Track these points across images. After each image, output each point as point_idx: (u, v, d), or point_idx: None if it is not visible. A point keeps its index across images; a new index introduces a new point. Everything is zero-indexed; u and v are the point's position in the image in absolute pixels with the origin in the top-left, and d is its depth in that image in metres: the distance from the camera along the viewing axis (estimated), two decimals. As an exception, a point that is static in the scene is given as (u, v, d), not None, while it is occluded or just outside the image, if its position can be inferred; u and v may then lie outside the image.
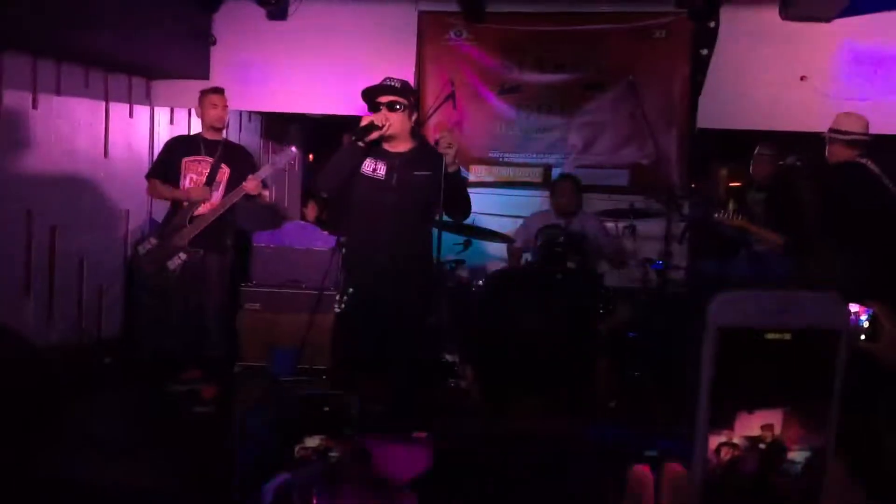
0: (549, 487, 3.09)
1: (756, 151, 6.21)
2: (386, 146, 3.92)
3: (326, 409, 4.09)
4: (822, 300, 0.98)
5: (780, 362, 0.98)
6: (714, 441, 0.99)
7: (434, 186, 3.77)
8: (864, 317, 3.93)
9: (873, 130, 5.26)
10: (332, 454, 3.46)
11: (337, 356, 4.56)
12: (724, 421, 0.99)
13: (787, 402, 0.99)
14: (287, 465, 3.40)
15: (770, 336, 0.98)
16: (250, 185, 4.97)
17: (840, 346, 0.98)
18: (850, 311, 1.01)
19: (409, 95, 3.95)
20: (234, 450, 3.74)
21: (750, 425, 0.99)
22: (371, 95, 3.88)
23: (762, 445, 0.99)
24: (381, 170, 3.88)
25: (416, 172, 3.86)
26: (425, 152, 3.94)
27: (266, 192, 5.26)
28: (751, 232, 5.08)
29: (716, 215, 5.06)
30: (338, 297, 4.22)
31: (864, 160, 4.52)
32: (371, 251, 3.92)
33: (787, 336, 0.98)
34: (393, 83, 3.90)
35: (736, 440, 0.99)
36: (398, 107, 3.84)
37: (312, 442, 3.50)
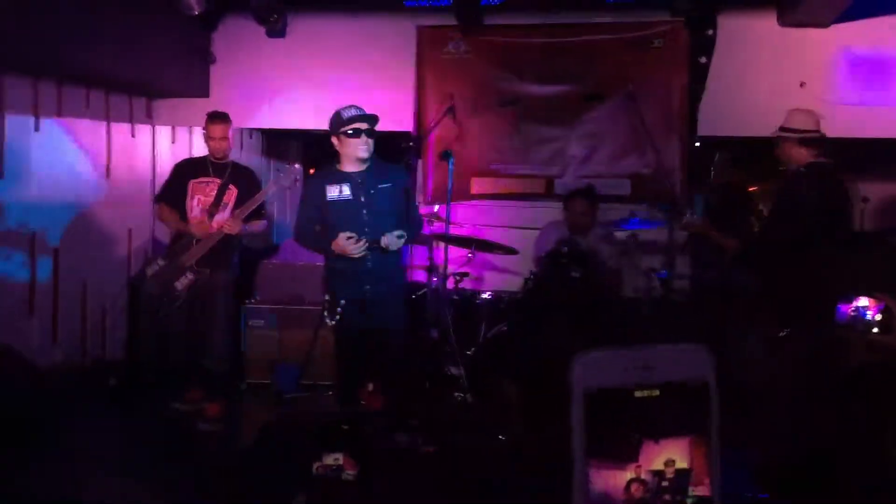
0: None
1: (715, 158, 6.21)
2: (349, 169, 4.32)
3: (345, 427, 4.09)
4: (687, 352, 0.97)
5: (650, 417, 0.97)
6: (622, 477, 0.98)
7: (397, 197, 4.32)
8: (873, 311, 3.93)
9: (872, 134, 5.28)
10: (349, 473, 3.45)
11: (341, 367, 4.59)
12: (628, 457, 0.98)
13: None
14: (305, 482, 3.40)
15: (638, 394, 0.97)
16: (230, 226, 5.00)
17: (710, 395, 0.97)
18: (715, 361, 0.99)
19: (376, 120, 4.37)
20: (250, 468, 3.73)
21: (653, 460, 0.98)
22: (349, 122, 4.24)
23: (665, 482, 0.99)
24: (345, 191, 4.30)
25: (379, 186, 4.30)
26: (382, 167, 4.41)
27: (253, 226, 5.25)
28: (709, 236, 4.72)
29: (685, 217, 4.78)
30: (327, 311, 4.35)
31: (826, 160, 4.30)
32: (353, 265, 4.24)
33: (656, 392, 0.97)
34: (363, 109, 4.33)
35: (644, 475, 0.99)
36: (373, 133, 4.29)
37: (330, 460, 3.50)
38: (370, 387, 5.28)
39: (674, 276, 5.48)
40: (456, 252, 5.79)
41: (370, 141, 4.29)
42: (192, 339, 5.21)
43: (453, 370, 5.18)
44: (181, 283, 5.03)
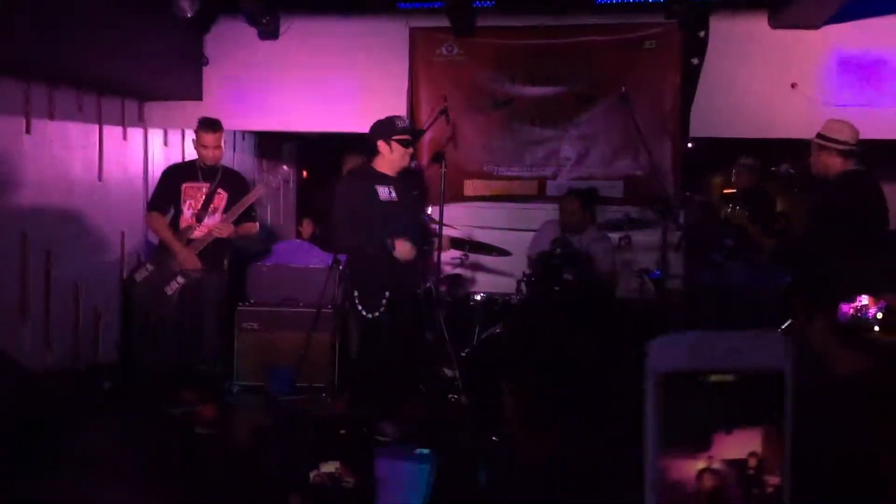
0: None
1: (738, 162, 6.25)
2: (387, 172, 4.58)
3: (343, 431, 4.08)
4: (765, 340, 0.96)
5: (724, 404, 0.95)
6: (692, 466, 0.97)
7: (419, 203, 4.75)
8: (875, 310, 3.95)
9: (863, 136, 5.29)
10: (347, 481, 3.43)
11: (367, 364, 4.64)
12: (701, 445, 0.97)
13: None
14: (302, 490, 3.38)
15: (714, 378, 0.95)
16: (220, 230, 5.04)
17: (785, 385, 0.95)
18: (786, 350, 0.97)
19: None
20: (247, 473, 3.72)
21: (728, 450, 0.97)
22: (403, 132, 4.57)
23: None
24: (393, 193, 4.54)
25: (413, 192, 4.66)
26: (411, 174, 4.79)
27: (245, 230, 5.25)
28: (748, 232, 4.92)
29: (725, 210, 4.93)
30: (362, 305, 4.48)
31: (863, 167, 4.45)
32: (393, 263, 4.48)
33: (731, 378, 0.96)
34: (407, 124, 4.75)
35: (716, 465, 0.97)
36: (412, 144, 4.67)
37: (328, 468, 3.48)
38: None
39: (667, 277, 5.49)
40: (450, 254, 5.80)
41: (411, 151, 4.66)
42: (185, 342, 5.20)
43: (447, 372, 5.17)
44: (171, 289, 5.01)
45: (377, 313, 4.45)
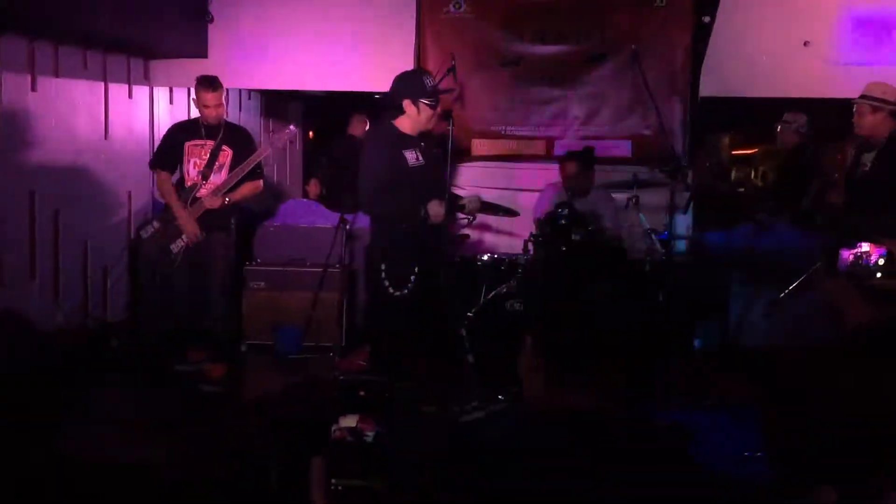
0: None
1: (783, 119, 6.15)
2: (411, 133, 4.38)
3: (362, 393, 4.11)
4: None
5: None
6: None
7: (441, 165, 4.38)
8: (876, 256, 3.95)
9: (877, 96, 5.22)
10: (368, 434, 3.46)
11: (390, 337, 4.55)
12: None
13: None
14: (323, 446, 3.42)
15: None
16: (210, 201, 5.01)
17: None
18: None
19: None
20: (267, 434, 3.76)
21: None
22: (433, 95, 4.35)
23: None
24: (419, 157, 4.35)
25: (434, 151, 4.44)
26: (430, 134, 4.53)
27: (229, 199, 5.18)
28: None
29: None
30: (388, 281, 4.29)
31: None
32: (424, 233, 4.29)
33: None
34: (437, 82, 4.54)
35: None
36: None
37: (348, 422, 3.51)
38: (369, 348, 5.33)
39: (675, 238, 5.47)
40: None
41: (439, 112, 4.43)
42: (193, 301, 5.23)
43: (456, 332, 5.18)
44: (176, 246, 5.04)
45: (405, 290, 4.28)
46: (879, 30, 5.83)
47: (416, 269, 4.28)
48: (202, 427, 3.90)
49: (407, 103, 4.30)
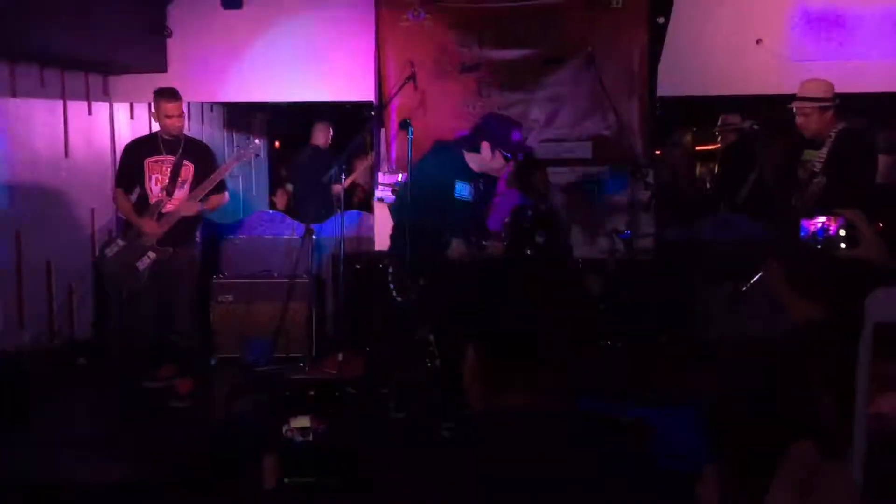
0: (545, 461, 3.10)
1: (720, 123, 6.28)
2: (475, 169, 4.39)
3: (311, 392, 4.15)
4: None
5: None
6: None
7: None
8: (835, 226, 4.02)
9: (829, 91, 5.33)
10: (318, 430, 3.54)
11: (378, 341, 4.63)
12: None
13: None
14: (275, 445, 3.48)
15: None
16: (187, 207, 5.03)
17: None
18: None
19: None
20: (221, 434, 3.80)
21: None
22: (511, 148, 4.37)
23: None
24: (472, 193, 4.40)
25: (491, 189, 4.55)
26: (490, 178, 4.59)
27: (213, 203, 5.22)
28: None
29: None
30: (394, 286, 4.36)
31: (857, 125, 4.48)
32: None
33: None
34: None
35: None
36: None
37: (300, 422, 3.57)
38: (340, 356, 5.35)
39: (637, 236, 5.55)
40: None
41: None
42: (160, 317, 5.20)
43: (423, 336, 5.21)
44: (143, 264, 5.01)
45: (406, 298, 4.34)
46: (830, 26, 5.95)
47: (421, 282, 4.29)
48: (163, 441, 3.91)
49: (485, 146, 4.32)
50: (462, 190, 4.36)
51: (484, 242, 4.48)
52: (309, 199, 6.90)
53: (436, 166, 4.44)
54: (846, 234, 3.89)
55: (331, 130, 7.46)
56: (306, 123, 7.62)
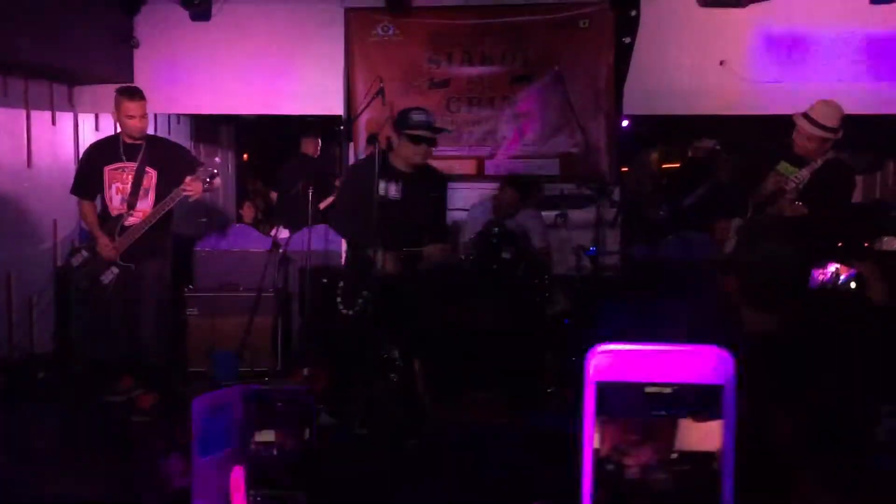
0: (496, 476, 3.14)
1: (693, 145, 6.37)
2: (400, 167, 4.43)
3: (280, 404, 4.12)
4: (705, 354, 0.97)
5: (659, 412, 0.97)
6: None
7: (436, 206, 4.51)
8: (845, 276, 4.09)
9: (789, 111, 5.45)
10: (284, 445, 3.52)
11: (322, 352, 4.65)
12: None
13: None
14: (240, 460, 3.45)
15: (649, 390, 0.97)
16: (191, 187, 4.74)
17: (725, 395, 0.97)
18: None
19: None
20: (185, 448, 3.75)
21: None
22: (415, 127, 4.36)
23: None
24: (398, 191, 4.40)
25: (430, 194, 4.49)
26: (435, 174, 4.61)
27: (215, 184, 5.05)
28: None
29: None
30: (341, 299, 4.41)
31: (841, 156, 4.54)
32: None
33: (668, 390, 0.97)
34: (434, 123, 4.47)
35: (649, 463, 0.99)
36: (433, 143, 4.45)
37: (265, 437, 3.55)
38: (305, 371, 5.32)
39: (603, 253, 5.60)
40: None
41: (429, 150, 4.41)
42: (125, 330, 5.10)
43: (389, 352, 5.20)
44: (106, 278, 4.88)
45: (351, 311, 4.35)
46: (791, 48, 6.08)
47: (365, 294, 4.30)
48: (123, 456, 3.87)
49: (394, 135, 4.40)
50: (386, 188, 4.37)
51: (419, 249, 4.45)
52: (292, 205, 6.87)
53: (361, 168, 4.53)
54: (857, 285, 3.97)
55: (319, 142, 7.56)
56: (275, 136, 7.63)
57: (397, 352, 5.05)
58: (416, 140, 4.35)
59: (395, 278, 4.33)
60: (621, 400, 1.00)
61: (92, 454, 3.93)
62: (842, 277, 4.02)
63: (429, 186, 4.53)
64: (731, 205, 4.75)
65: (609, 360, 0.98)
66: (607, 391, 1.00)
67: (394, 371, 5.00)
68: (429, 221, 4.51)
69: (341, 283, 4.44)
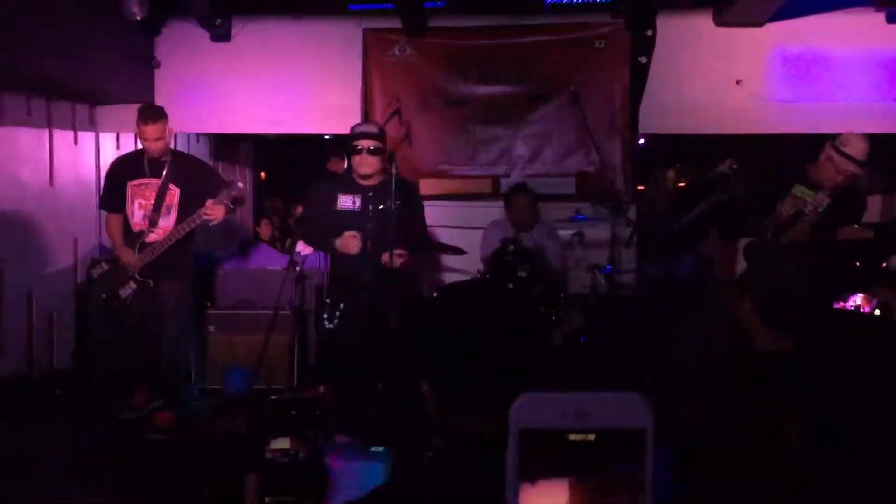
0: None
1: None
2: (358, 181, 4.60)
3: (294, 412, 4.15)
4: (624, 399, 1.00)
5: (584, 459, 1.00)
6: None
7: (406, 215, 4.49)
8: (869, 307, 4.07)
9: (805, 131, 5.47)
10: (299, 455, 3.55)
11: (324, 369, 4.76)
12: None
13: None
14: (257, 466, 3.49)
15: (573, 437, 1.00)
16: (213, 212, 4.74)
17: (646, 442, 0.99)
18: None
19: (384, 139, 4.71)
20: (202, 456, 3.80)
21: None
22: (351, 140, 4.59)
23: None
24: (357, 203, 4.57)
25: (387, 202, 4.47)
26: (400, 184, 4.57)
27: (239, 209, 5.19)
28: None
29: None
30: (326, 314, 4.64)
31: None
32: (355, 275, 4.52)
33: (591, 437, 1.00)
34: (371, 129, 4.65)
35: None
36: (378, 151, 4.57)
37: (280, 444, 3.57)
38: (321, 389, 5.33)
39: (619, 272, 5.60)
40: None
41: (371, 159, 4.53)
42: (143, 346, 5.12)
43: (415, 382, 5.21)
44: (124, 292, 4.93)
45: (330, 324, 4.59)
46: (808, 67, 6.08)
47: (341, 307, 4.53)
48: (141, 472, 3.89)
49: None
50: (345, 201, 4.59)
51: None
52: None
53: (325, 182, 4.84)
54: (881, 313, 3.98)
55: (346, 161, 7.61)
56: (294, 154, 7.69)
57: (425, 384, 5.07)
58: (356, 151, 4.57)
59: (369, 286, 4.47)
60: (545, 454, 1.03)
61: (110, 466, 3.95)
62: (865, 308, 4.01)
63: (390, 197, 4.54)
64: (732, 223, 4.79)
65: (533, 406, 1.01)
66: (532, 440, 1.02)
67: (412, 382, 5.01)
68: (392, 229, 4.47)
69: (327, 300, 4.66)
